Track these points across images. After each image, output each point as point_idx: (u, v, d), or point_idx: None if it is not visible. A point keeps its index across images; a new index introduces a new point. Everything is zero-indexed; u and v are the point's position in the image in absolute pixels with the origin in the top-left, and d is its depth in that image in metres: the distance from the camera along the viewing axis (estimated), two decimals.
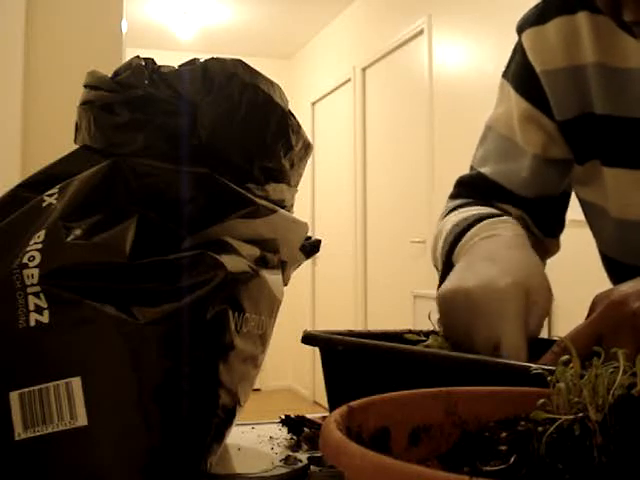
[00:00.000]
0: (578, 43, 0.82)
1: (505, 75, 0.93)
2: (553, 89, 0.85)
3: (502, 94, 0.92)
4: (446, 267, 0.78)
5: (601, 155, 0.83)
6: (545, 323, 2.64)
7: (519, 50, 0.89)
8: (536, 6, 0.88)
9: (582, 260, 2.64)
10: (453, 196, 0.95)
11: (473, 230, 0.76)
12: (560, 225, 0.94)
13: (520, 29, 0.89)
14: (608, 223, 0.85)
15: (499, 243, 0.72)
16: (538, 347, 0.75)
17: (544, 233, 0.92)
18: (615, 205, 0.83)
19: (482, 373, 0.54)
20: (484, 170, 0.91)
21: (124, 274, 0.57)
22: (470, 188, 0.92)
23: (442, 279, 0.76)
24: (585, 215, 0.91)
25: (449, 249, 0.79)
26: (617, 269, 0.88)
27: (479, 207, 0.86)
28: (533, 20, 0.87)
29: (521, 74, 0.89)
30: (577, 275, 2.66)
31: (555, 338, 0.68)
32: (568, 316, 2.67)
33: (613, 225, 0.84)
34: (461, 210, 0.86)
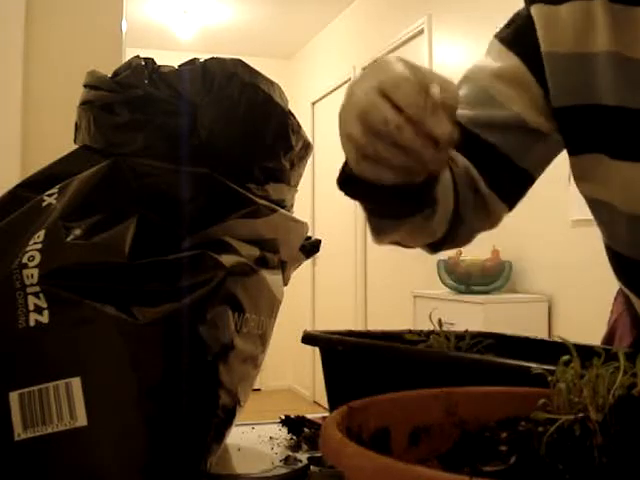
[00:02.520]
0: (592, 30, 0.79)
1: (499, 35, 0.88)
2: (555, 73, 0.81)
3: (489, 52, 0.88)
4: None
5: (608, 148, 0.80)
6: (545, 323, 2.66)
7: (524, 17, 0.85)
8: None
9: (582, 260, 2.64)
10: None
11: None
12: (515, 197, 0.89)
13: (531, 0, 0.84)
14: (617, 218, 0.83)
15: None
16: (538, 347, 0.75)
17: (497, 193, 0.86)
18: (624, 199, 0.81)
19: (482, 373, 0.54)
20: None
21: (124, 274, 0.57)
22: None
23: None
24: (591, 210, 0.88)
25: None
26: (625, 264, 0.86)
27: None
28: None
29: (522, 39, 0.84)
30: (578, 275, 2.66)
31: (556, 339, 0.68)
32: (568, 316, 2.67)
33: (623, 220, 0.82)
34: None
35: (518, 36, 0.85)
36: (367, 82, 0.61)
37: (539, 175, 0.89)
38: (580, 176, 0.85)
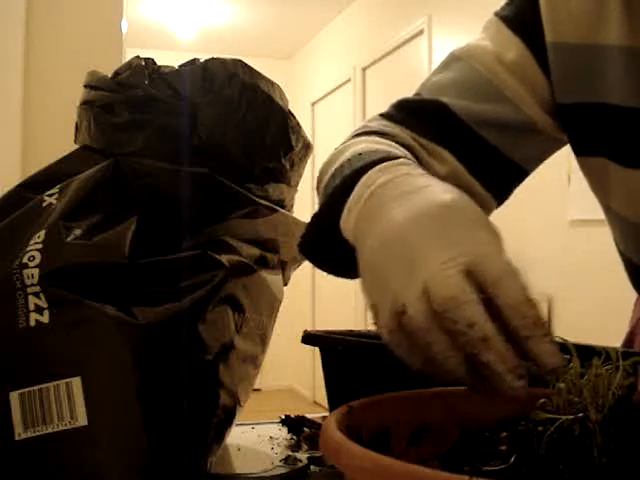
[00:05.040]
0: (604, 19, 0.70)
1: (500, 13, 0.78)
2: (561, 65, 0.73)
3: (488, 31, 0.78)
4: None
5: (613, 153, 0.72)
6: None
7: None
8: None
9: (582, 260, 2.64)
10: (387, 116, 0.76)
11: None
12: (504, 191, 0.78)
13: None
14: (621, 223, 0.77)
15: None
16: None
17: (488, 190, 0.75)
18: (631, 211, 0.74)
19: None
20: (446, 100, 0.74)
21: (124, 274, 0.57)
22: (416, 115, 0.75)
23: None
24: (604, 212, 0.80)
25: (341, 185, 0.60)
26: (634, 270, 0.80)
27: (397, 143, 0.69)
28: None
29: (526, 21, 0.75)
30: (578, 275, 2.66)
31: (556, 339, 0.68)
32: (568, 316, 2.67)
33: (631, 229, 0.75)
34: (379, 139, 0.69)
35: (521, 17, 0.75)
36: (439, 242, 0.45)
37: (533, 169, 0.78)
38: (588, 179, 0.78)
